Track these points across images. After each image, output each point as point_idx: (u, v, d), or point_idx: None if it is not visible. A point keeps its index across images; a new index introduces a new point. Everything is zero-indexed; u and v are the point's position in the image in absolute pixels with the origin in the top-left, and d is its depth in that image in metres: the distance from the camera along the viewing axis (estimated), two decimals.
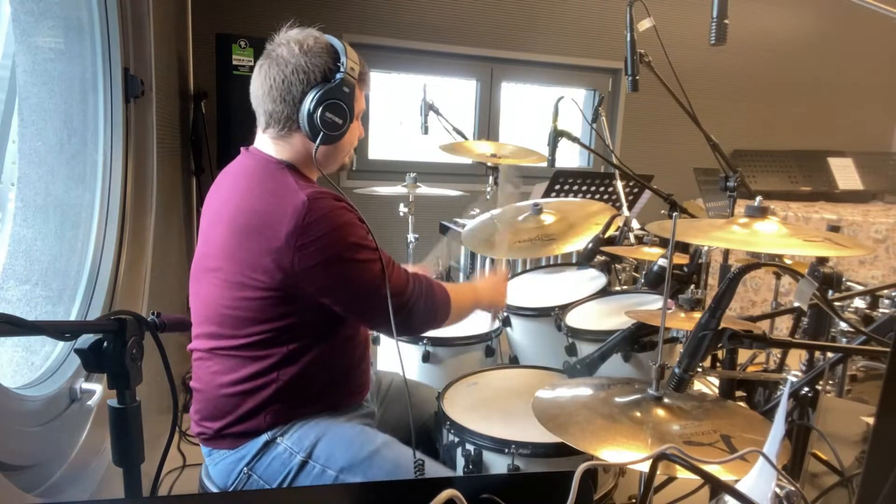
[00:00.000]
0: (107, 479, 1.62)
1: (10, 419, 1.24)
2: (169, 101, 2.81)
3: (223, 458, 1.33)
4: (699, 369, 1.05)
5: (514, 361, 2.07)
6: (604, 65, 4.47)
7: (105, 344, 0.90)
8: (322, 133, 1.26)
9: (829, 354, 1.31)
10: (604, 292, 2.01)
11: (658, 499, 1.77)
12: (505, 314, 2.01)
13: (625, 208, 2.19)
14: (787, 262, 1.65)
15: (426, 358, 1.84)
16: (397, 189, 2.74)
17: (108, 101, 1.91)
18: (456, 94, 4.32)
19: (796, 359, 1.57)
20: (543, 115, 3.93)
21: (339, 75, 1.27)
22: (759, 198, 1.24)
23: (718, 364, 2.03)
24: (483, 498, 0.85)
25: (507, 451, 1.32)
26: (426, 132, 2.73)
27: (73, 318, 1.74)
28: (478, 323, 2.02)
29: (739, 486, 0.73)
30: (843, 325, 1.51)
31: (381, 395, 1.62)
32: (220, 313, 1.29)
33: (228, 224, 1.27)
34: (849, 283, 1.65)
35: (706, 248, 1.65)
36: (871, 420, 1.19)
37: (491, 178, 2.63)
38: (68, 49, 1.78)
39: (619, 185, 2.28)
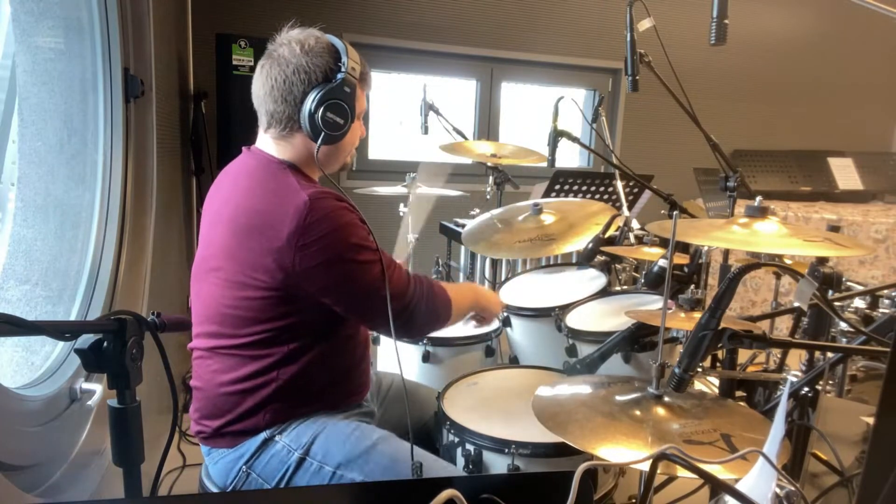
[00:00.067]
0: (107, 479, 1.62)
1: (10, 419, 1.24)
2: (169, 101, 2.81)
3: (222, 456, 1.33)
4: (699, 369, 1.05)
5: (514, 361, 2.07)
6: (604, 65, 4.47)
7: (105, 344, 0.90)
8: (323, 133, 1.27)
9: (829, 354, 1.31)
10: (604, 292, 2.01)
11: (658, 499, 1.78)
12: (505, 314, 2.01)
13: (625, 208, 2.18)
14: (787, 262, 1.65)
15: (426, 358, 1.84)
16: (397, 189, 2.74)
17: (108, 101, 1.91)
18: (456, 94, 4.32)
19: (796, 359, 1.57)
20: (543, 115, 3.93)
21: (340, 75, 1.27)
22: (759, 198, 1.24)
23: (718, 364, 2.03)
24: (483, 498, 0.85)
25: (507, 451, 1.32)
26: (426, 132, 2.73)
27: (73, 318, 1.74)
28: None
29: (739, 486, 0.73)
30: (843, 325, 1.51)
31: (381, 396, 1.62)
32: (221, 312, 1.29)
33: (229, 224, 1.27)
34: (849, 283, 1.65)
35: (706, 248, 1.65)
36: (871, 420, 1.19)
37: (490, 178, 2.63)
38: (68, 49, 1.78)
39: (619, 185, 2.28)
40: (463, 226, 2.62)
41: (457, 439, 1.39)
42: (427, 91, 2.70)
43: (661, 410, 1.05)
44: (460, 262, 3.10)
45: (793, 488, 0.74)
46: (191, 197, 3.41)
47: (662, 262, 1.59)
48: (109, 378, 0.92)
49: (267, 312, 1.25)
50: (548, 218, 1.99)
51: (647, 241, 1.88)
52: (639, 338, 1.60)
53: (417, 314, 1.33)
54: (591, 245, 1.85)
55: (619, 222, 1.94)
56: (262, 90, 1.30)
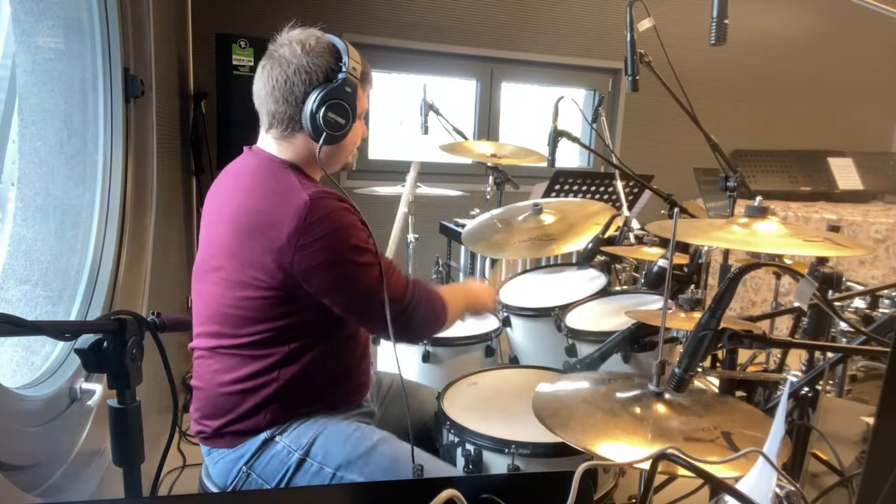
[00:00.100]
0: (107, 479, 1.62)
1: (10, 419, 1.24)
2: (169, 101, 2.81)
3: (222, 456, 1.33)
4: (699, 369, 1.05)
5: (514, 361, 2.07)
6: (604, 65, 4.47)
7: (105, 344, 0.90)
8: (325, 133, 1.27)
9: (829, 354, 1.31)
10: (604, 292, 2.01)
11: (658, 499, 1.77)
12: (504, 314, 2.01)
13: (625, 208, 2.19)
14: (787, 262, 1.64)
15: (426, 358, 1.84)
16: (397, 189, 2.74)
17: (108, 101, 1.91)
18: (456, 94, 4.32)
19: (796, 359, 1.57)
20: (543, 115, 3.93)
21: (341, 75, 1.27)
22: (759, 198, 1.24)
23: (718, 364, 2.02)
24: (483, 498, 0.85)
25: (507, 451, 1.32)
26: (426, 132, 2.73)
27: (73, 318, 1.74)
28: (478, 323, 2.02)
29: (739, 486, 0.73)
30: (843, 325, 1.51)
31: (381, 396, 1.62)
32: (222, 312, 1.29)
33: (231, 223, 1.27)
34: (849, 283, 1.65)
35: (706, 248, 1.65)
36: (871, 420, 1.19)
37: (490, 178, 2.64)
38: (68, 49, 1.78)
39: (619, 185, 2.28)
40: (463, 226, 2.62)
41: (457, 439, 1.39)
42: (427, 91, 2.70)
43: (661, 407, 1.05)
44: (460, 262, 3.10)
45: (793, 488, 0.74)
46: (191, 197, 3.41)
47: (662, 262, 1.59)
48: (109, 378, 0.92)
49: (267, 312, 1.25)
50: (548, 218, 1.99)
51: (647, 241, 1.89)
52: (639, 338, 1.60)
53: (415, 318, 1.33)
54: (591, 245, 1.85)
55: (619, 222, 1.94)
56: (264, 90, 1.30)
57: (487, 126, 4.36)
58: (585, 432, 0.99)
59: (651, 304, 1.87)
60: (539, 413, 1.07)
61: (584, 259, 1.95)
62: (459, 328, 1.87)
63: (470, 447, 1.35)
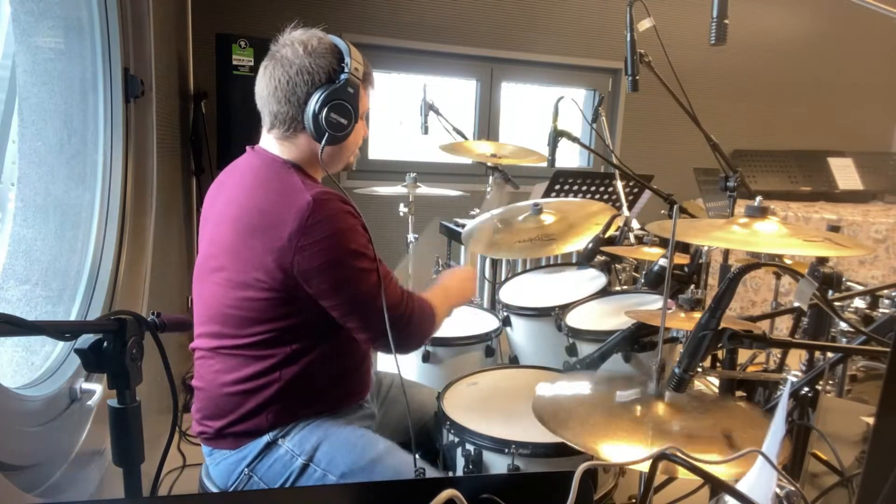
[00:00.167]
0: (107, 479, 1.62)
1: (10, 419, 1.24)
2: (169, 101, 2.81)
3: (224, 458, 1.33)
4: (699, 369, 1.05)
5: (514, 361, 2.07)
6: (604, 65, 4.47)
7: (105, 344, 0.90)
8: (327, 134, 1.27)
9: (829, 354, 1.31)
10: (604, 292, 2.01)
11: (658, 499, 1.77)
12: (505, 313, 2.01)
13: (625, 208, 2.19)
14: (787, 262, 1.65)
15: (426, 358, 1.84)
16: (397, 189, 2.74)
17: (108, 101, 1.91)
18: (456, 94, 4.32)
19: (796, 359, 1.57)
20: (543, 115, 3.93)
21: (343, 76, 1.27)
22: (759, 198, 1.24)
23: (718, 364, 2.02)
24: (483, 498, 0.85)
25: (507, 451, 1.31)
26: (426, 132, 2.73)
27: (73, 318, 1.74)
28: (478, 323, 2.02)
29: (739, 486, 0.73)
30: (843, 325, 1.51)
31: (381, 396, 1.62)
32: (223, 313, 1.29)
33: (232, 223, 1.27)
34: (849, 283, 1.65)
35: (706, 248, 1.65)
36: (871, 420, 1.19)
37: (490, 179, 2.64)
38: (68, 49, 1.78)
39: (619, 185, 2.28)
40: (463, 226, 2.62)
41: (457, 439, 1.39)
42: (427, 91, 2.70)
43: (661, 407, 1.05)
44: (460, 262, 3.10)
45: (793, 488, 0.74)
46: (191, 197, 3.40)
47: (662, 262, 1.59)
48: (109, 378, 0.92)
49: (268, 313, 1.25)
50: (548, 218, 1.99)
51: (647, 241, 1.89)
52: (639, 338, 1.60)
53: (411, 325, 1.32)
54: (591, 245, 1.85)
55: (619, 222, 1.94)
56: (266, 91, 1.30)
57: (487, 126, 4.36)
58: (585, 432, 0.99)
59: (651, 304, 1.87)
60: (539, 413, 1.07)
61: (585, 259, 1.95)
62: (459, 328, 1.88)
63: (470, 447, 1.35)
